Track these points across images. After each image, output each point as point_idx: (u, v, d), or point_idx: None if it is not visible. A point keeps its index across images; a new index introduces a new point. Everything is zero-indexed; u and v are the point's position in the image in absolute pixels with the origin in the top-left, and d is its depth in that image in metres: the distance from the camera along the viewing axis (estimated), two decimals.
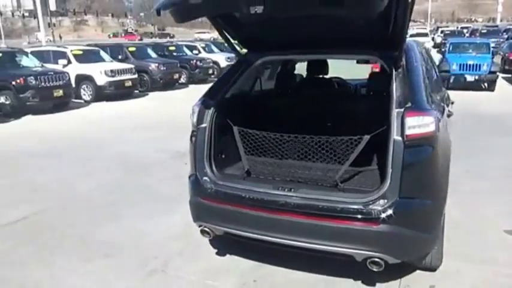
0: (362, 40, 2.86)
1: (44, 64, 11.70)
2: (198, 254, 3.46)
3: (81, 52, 13.16)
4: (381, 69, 3.59)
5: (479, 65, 12.75)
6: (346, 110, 3.56)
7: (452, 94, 8.91)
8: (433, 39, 34.87)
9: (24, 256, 3.49)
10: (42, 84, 10.36)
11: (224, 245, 3.47)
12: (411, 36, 33.00)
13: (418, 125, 2.53)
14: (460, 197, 4.56)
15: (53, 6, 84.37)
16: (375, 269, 2.63)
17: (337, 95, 3.92)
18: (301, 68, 4.60)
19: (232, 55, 3.47)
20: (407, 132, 2.51)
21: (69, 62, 12.48)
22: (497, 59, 15.88)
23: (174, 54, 17.17)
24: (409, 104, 2.59)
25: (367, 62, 4.86)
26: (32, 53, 12.56)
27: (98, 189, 5.08)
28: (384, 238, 2.53)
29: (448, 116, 3.52)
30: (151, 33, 78.06)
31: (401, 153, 2.50)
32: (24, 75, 10.21)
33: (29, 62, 11.50)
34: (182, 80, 15.63)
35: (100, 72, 12.26)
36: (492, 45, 15.09)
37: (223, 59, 17.57)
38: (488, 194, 4.64)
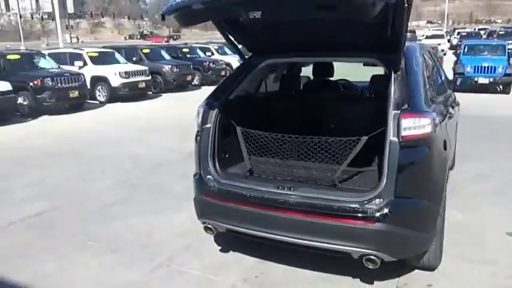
0: (362, 43, 2.94)
1: (61, 66, 12.01)
2: (202, 250, 3.57)
3: (96, 54, 13.45)
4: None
5: (494, 67, 12.60)
6: (347, 112, 3.63)
7: (465, 96, 8.93)
8: (449, 41, 34.52)
9: (37, 249, 3.66)
10: (59, 85, 10.64)
11: (228, 242, 3.58)
12: (427, 37, 32.77)
13: (414, 126, 2.60)
14: (466, 199, 4.61)
15: (70, 8, 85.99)
16: (370, 267, 2.70)
17: (340, 97, 4.00)
18: (309, 71, 4.69)
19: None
20: (403, 133, 2.58)
21: (85, 63, 12.78)
22: None
23: (188, 56, 17.39)
24: (405, 106, 2.65)
25: (374, 64, 4.92)
26: (50, 54, 12.90)
27: (110, 187, 5.25)
28: (379, 236, 2.60)
29: (450, 117, 3.57)
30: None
31: (396, 154, 2.57)
32: (41, 77, 10.51)
33: (46, 63, 11.83)
34: (195, 82, 15.83)
35: (114, 73, 12.52)
36: (509, 47, 14.89)
37: (235, 61, 17.71)
38: (495, 197, 4.65)
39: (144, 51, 15.33)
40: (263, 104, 3.84)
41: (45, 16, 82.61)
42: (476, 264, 3.28)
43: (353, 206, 2.63)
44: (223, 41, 3.56)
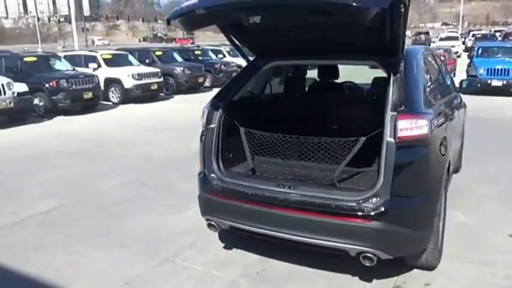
0: (363, 46, 3.01)
1: (76, 68, 12.29)
2: (207, 247, 3.67)
3: (110, 56, 13.73)
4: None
5: (508, 70, 12.46)
6: (349, 113, 3.70)
7: (479, 99, 8.89)
8: (463, 42, 34.11)
9: (48, 243, 3.81)
10: (73, 86, 10.90)
11: (232, 239, 3.67)
12: (441, 39, 32.43)
13: (411, 127, 2.66)
14: (470, 201, 4.62)
15: (87, 11, 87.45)
16: (367, 264, 2.76)
17: (343, 99, 4.06)
18: (316, 73, 4.76)
19: None
20: (399, 134, 2.64)
21: (99, 65, 13.05)
22: None
23: (200, 58, 17.58)
24: (402, 107, 2.72)
25: (375, 67, 4.98)
26: (65, 57, 13.21)
27: (120, 185, 5.39)
28: (375, 234, 2.66)
29: (452, 119, 3.61)
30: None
31: (393, 154, 2.64)
32: (56, 78, 10.79)
33: (61, 65, 12.12)
34: (207, 84, 16.00)
35: (127, 75, 12.76)
36: None
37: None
38: (500, 199, 4.65)
39: (157, 53, 15.58)
40: (266, 105, 3.93)
41: (62, 19, 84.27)
42: (475, 265, 3.30)
43: (350, 204, 2.69)
44: None
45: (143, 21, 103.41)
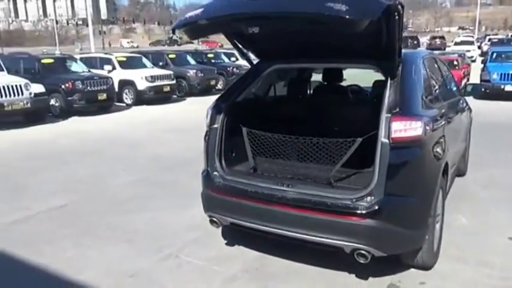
0: (361, 50, 3.11)
1: (91, 69, 12.60)
2: (210, 244, 3.79)
3: (125, 59, 14.01)
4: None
5: None
6: (349, 115, 3.79)
7: (492, 104, 8.82)
8: (479, 47, 33.70)
9: (59, 237, 3.98)
10: (88, 88, 11.18)
11: (234, 237, 3.80)
12: (456, 44, 32.14)
13: (404, 129, 2.75)
14: (474, 205, 4.66)
15: (104, 15, 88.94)
16: (361, 261, 2.85)
17: (344, 101, 4.14)
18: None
19: None
20: (393, 135, 2.74)
21: (114, 67, 13.33)
22: None
23: (212, 61, 17.81)
24: (397, 110, 2.81)
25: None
26: (81, 59, 13.55)
27: (129, 183, 5.56)
28: (369, 232, 2.75)
29: (450, 122, 3.67)
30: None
31: (387, 155, 2.73)
32: (72, 80, 11.08)
33: (77, 67, 12.44)
34: (219, 86, 16.18)
35: (141, 77, 13.01)
36: None
37: None
38: (504, 203, 4.66)
39: (170, 56, 15.82)
40: (269, 106, 4.04)
41: (80, 22, 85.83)
42: (472, 266, 3.35)
43: (345, 202, 2.79)
44: None
45: (159, 24, 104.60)
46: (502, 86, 12.30)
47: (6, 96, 9.24)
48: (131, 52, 17.35)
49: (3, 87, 9.24)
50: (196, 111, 12.41)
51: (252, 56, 3.80)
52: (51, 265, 3.44)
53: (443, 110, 3.59)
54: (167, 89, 13.56)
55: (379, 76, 3.29)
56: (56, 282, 3.27)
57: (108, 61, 13.56)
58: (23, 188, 5.44)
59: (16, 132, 9.23)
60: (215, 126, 3.42)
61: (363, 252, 2.79)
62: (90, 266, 3.44)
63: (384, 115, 2.80)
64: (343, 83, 5.06)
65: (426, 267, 3.22)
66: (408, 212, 2.84)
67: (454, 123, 3.99)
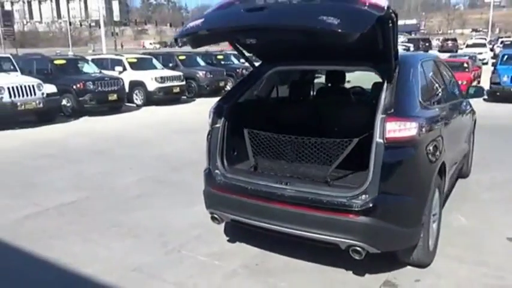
0: (359, 54, 3.19)
1: (103, 70, 12.84)
2: (212, 240, 3.90)
3: (135, 60, 14.25)
4: None
5: None
6: (348, 116, 3.87)
7: (501, 106, 8.75)
8: (491, 49, 33.38)
9: (68, 232, 4.13)
10: (99, 88, 11.41)
11: (236, 233, 3.90)
12: (467, 46, 31.92)
13: (399, 129, 2.83)
14: (475, 206, 4.70)
15: (117, 16, 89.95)
16: (356, 257, 2.92)
17: (345, 103, 4.22)
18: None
19: None
20: (387, 135, 2.82)
21: (125, 69, 13.56)
22: None
23: (222, 62, 17.97)
24: (391, 110, 2.88)
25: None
26: (93, 60, 13.81)
27: (136, 182, 5.70)
28: (363, 229, 2.82)
29: (448, 124, 3.73)
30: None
31: (381, 154, 2.80)
32: (83, 80, 11.33)
33: (89, 68, 12.69)
34: (228, 88, 16.27)
35: (151, 78, 13.22)
36: None
37: None
38: (505, 205, 4.70)
39: (180, 57, 16.01)
40: (270, 107, 4.14)
41: (93, 24, 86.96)
42: (468, 265, 3.40)
43: (341, 200, 2.87)
44: None
45: (170, 25, 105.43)
46: None
47: (19, 96, 9.50)
48: (142, 53, 17.58)
49: (17, 87, 9.50)
50: (204, 112, 12.37)
51: (253, 57, 3.92)
52: (59, 259, 3.58)
53: (441, 112, 3.65)
54: (177, 90, 13.74)
55: (379, 78, 3.37)
56: (63, 274, 3.40)
57: (119, 62, 13.80)
58: (33, 185, 5.61)
59: (28, 131, 9.48)
60: (217, 126, 3.53)
61: (357, 248, 2.87)
62: (96, 261, 3.56)
63: (379, 116, 2.88)
64: (348, 85, 5.15)
65: (422, 265, 3.28)
66: (402, 210, 2.92)
67: (454, 125, 4.05)
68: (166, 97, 13.43)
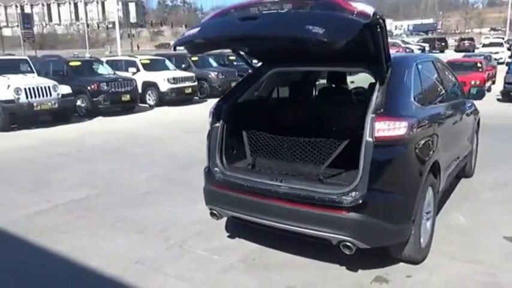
0: (353, 56, 3.28)
1: (117, 72, 13.14)
2: (212, 236, 4.04)
3: (148, 61, 14.53)
4: None
5: None
6: (346, 116, 3.95)
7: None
8: (509, 49, 32.77)
9: (76, 227, 4.32)
10: (113, 89, 11.70)
11: (236, 230, 4.03)
12: (484, 46, 31.36)
13: (388, 128, 2.92)
14: (475, 205, 4.74)
15: (133, 18, 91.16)
16: (347, 252, 3.02)
17: (344, 103, 4.30)
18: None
19: None
20: (376, 134, 2.91)
21: (138, 70, 13.84)
22: None
23: (234, 63, 18.13)
24: (381, 110, 2.97)
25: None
26: (107, 61, 14.13)
27: (145, 180, 5.89)
28: (353, 224, 2.92)
29: (447, 123, 3.80)
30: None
31: (370, 152, 2.90)
32: (97, 81, 11.62)
33: (103, 69, 13.01)
34: None
35: (163, 79, 13.47)
36: None
37: None
38: (506, 205, 4.71)
39: (193, 58, 16.23)
40: (269, 107, 4.26)
41: (110, 25, 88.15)
42: (461, 262, 3.46)
43: (332, 197, 2.97)
44: None
45: (186, 27, 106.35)
46: None
47: (35, 96, 9.83)
48: (154, 55, 17.86)
49: (33, 88, 9.84)
50: None
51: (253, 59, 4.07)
52: (66, 252, 3.76)
53: (437, 111, 3.71)
54: (189, 90, 13.96)
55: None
56: (71, 267, 3.58)
57: (133, 63, 14.09)
58: (47, 182, 5.85)
59: (44, 130, 9.80)
60: (216, 125, 3.66)
61: (348, 244, 2.97)
62: (101, 254, 3.74)
63: (369, 115, 2.97)
64: (352, 86, 5.24)
65: (414, 262, 3.36)
66: (391, 206, 3.00)
67: (453, 124, 4.10)
68: (178, 98, 13.66)
